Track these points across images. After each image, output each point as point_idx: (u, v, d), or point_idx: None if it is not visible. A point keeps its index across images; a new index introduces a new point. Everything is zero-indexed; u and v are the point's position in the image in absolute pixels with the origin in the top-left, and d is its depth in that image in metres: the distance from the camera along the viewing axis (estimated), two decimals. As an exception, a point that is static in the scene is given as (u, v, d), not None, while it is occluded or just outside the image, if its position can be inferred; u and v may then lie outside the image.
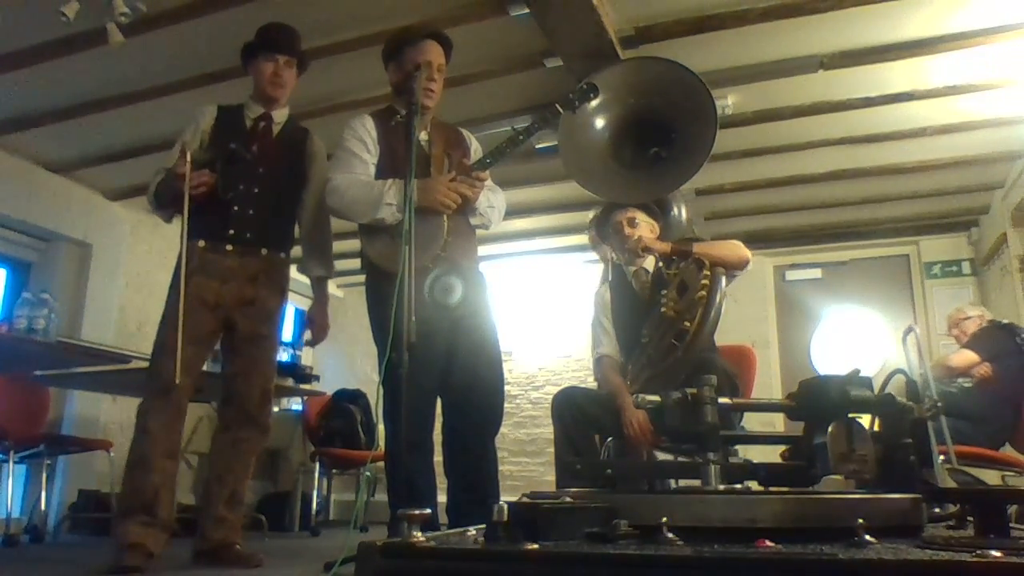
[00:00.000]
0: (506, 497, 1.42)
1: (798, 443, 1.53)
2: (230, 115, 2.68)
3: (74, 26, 2.72)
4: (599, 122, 2.64)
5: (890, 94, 3.46)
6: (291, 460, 5.52)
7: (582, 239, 4.42)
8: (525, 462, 5.87)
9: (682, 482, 2.02)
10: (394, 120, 2.49)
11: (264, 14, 2.72)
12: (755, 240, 5.02)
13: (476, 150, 2.62)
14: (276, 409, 5.23)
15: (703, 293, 1.77)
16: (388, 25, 2.79)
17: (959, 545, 0.98)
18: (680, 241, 2.60)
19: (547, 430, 4.88)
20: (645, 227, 2.76)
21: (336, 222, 2.67)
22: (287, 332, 5.98)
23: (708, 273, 1.82)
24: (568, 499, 1.19)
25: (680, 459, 2.27)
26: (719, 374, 1.78)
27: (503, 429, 2.58)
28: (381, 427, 2.34)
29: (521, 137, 2.36)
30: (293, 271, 2.80)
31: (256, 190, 2.58)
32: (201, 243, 2.51)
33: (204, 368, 2.65)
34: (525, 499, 1.27)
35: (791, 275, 5.84)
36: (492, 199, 2.53)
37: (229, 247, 2.55)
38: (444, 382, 2.40)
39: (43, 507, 3.89)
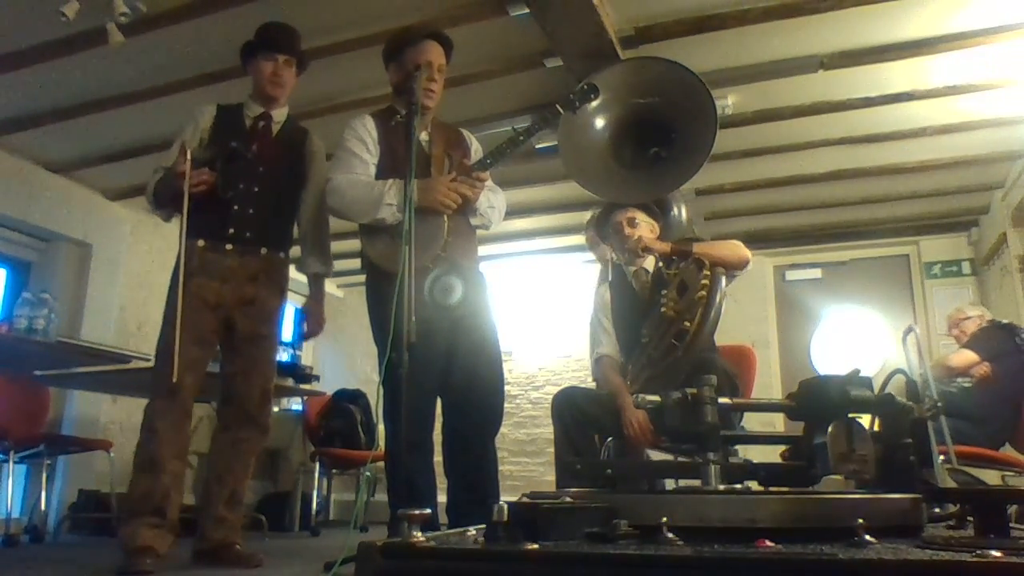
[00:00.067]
0: (506, 497, 1.42)
1: (798, 443, 1.53)
2: (229, 114, 2.68)
3: (74, 26, 2.73)
4: (599, 122, 2.64)
5: (890, 94, 3.46)
6: (291, 460, 5.52)
7: (582, 239, 4.42)
8: (525, 462, 5.87)
9: (682, 482, 2.02)
10: (394, 120, 2.49)
11: (264, 14, 2.72)
12: (755, 240, 5.02)
13: (476, 150, 2.62)
14: (276, 409, 5.24)
15: (703, 293, 1.77)
16: (388, 25, 2.79)
17: (959, 545, 0.98)
18: (680, 241, 2.60)
19: (547, 430, 4.89)
20: (645, 227, 2.76)
21: (336, 222, 2.66)
22: (287, 332, 5.98)
23: (708, 273, 1.82)
24: (568, 499, 1.19)
25: (680, 459, 2.27)
26: (719, 374, 1.78)
27: (503, 429, 2.58)
28: (381, 427, 2.34)
29: (521, 138, 2.36)
30: (292, 271, 2.80)
31: (256, 189, 2.58)
32: (200, 242, 2.51)
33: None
34: (525, 499, 1.27)
35: (791, 275, 5.84)
36: (492, 199, 2.53)
37: (229, 246, 2.54)
38: (444, 382, 2.40)
39: (43, 507, 3.88)
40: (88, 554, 3.15)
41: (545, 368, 6.10)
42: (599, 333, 2.89)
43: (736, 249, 2.53)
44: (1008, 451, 3.63)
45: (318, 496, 5.12)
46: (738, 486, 1.43)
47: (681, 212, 3.12)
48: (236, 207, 2.54)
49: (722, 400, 1.45)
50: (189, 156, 2.42)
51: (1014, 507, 1.37)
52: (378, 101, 3.15)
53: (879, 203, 4.90)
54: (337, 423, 5.13)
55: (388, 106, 2.61)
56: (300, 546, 3.77)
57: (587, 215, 3.74)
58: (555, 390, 2.81)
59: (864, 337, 5.38)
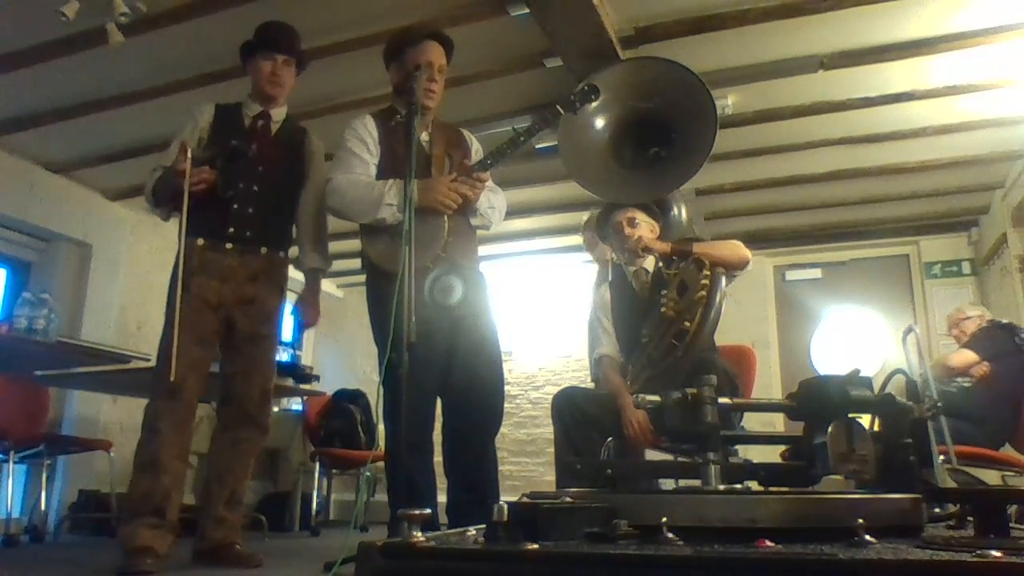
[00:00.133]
0: (506, 497, 1.42)
1: (798, 443, 1.53)
2: (228, 113, 2.68)
3: (74, 26, 2.73)
4: (599, 122, 2.64)
5: (890, 94, 3.46)
6: (291, 460, 5.51)
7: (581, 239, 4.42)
8: (525, 462, 5.87)
9: (682, 482, 2.02)
10: (395, 120, 2.49)
11: (264, 14, 2.72)
12: (755, 240, 5.02)
13: (477, 151, 2.62)
14: (276, 409, 5.23)
15: (703, 293, 1.77)
16: (388, 25, 2.79)
17: (959, 545, 0.98)
18: (680, 241, 2.60)
19: (547, 430, 4.88)
20: (645, 227, 2.76)
21: (336, 222, 2.67)
22: (287, 332, 5.98)
23: (708, 273, 1.81)
24: (568, 499, 1.19)
25: (680, 459, 2.27)
26: (719, 374, 1.78)
27: (503, 429, 2.58)
28: (381, 427, 2.34)
29: (522, 138, 2.36)
30: (292, 270, 2.80)
31: (256, 188, 2.58)
32: (200, 241, 2.51)
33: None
34: (525, 499, 1.27)
35: (791, 275, 5.84)
36: (493, 199, 2.53)
37: (229, 245, 2.54)
38: (444, 382, 2.40)
39: (43, 507, 3.89)
40: (88, 554, 3.15)
41: (545, 368, 6.10)
42: (599, 333, 2.89)
43: (736, 249, 2.53)
44: (1008, 451, 3.62)
45: (318, 496, 5.12)
46: (738, 486, 1.43)
47: (681, 212, 3.12)
48: (236, 206, 2.54)
49: (722, 400, 1.45)
50: (189, 154, 2.42)
51: (1014, 507, 1.37)
52: (378, 101, 3.15)
53: (879, 203, 4.90)
54: (337, 423, 5.12)
55: (388, 106, 2.61)
56: (300, 546, 3.77)
57: (586, 215, 3.74)
58: (555, 390, 2.81)
59: (864, 337, 5.39)
